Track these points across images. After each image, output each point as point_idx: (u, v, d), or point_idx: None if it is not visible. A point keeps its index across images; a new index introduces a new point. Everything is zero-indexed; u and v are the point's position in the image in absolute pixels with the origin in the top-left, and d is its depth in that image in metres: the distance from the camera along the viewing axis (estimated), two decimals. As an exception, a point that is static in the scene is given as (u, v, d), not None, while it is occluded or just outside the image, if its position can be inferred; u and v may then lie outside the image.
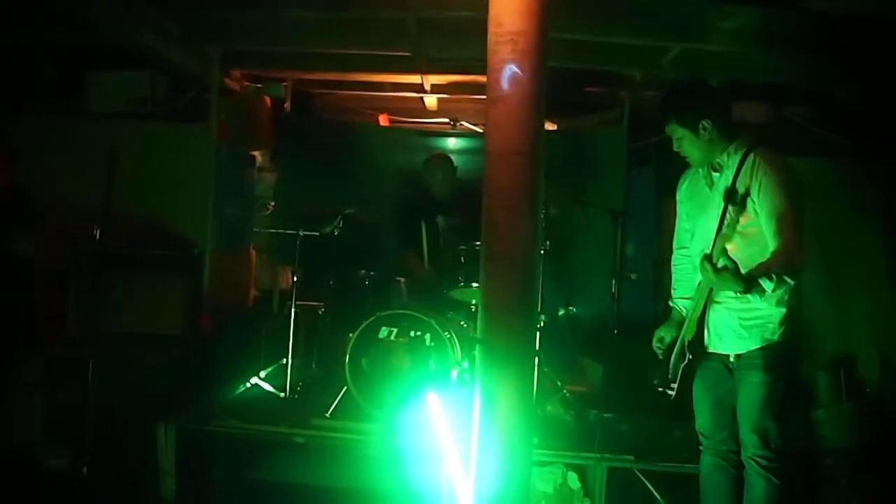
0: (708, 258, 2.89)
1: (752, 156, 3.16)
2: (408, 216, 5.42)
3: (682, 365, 3.35)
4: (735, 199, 2.77)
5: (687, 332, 3.32)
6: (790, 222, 2.98)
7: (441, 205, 5.44)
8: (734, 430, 3.28)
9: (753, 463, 3.16)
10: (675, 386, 3.45)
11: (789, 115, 5.70)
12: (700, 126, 3.18)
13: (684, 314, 3.44)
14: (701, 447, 3.45)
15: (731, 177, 3.17)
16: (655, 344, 3.49)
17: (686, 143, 3.24)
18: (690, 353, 3.30)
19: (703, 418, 3.42)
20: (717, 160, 3.25)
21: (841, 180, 5.27)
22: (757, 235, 3.09)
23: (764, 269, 2.91)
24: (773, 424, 3.14)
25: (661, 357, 3.47)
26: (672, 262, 3.61)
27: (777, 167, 3.10)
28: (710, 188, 3.30)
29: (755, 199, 3.06)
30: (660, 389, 3.57)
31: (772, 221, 3.01)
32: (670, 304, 3.56)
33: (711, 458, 3.39)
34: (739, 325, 3.18)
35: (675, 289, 3.56)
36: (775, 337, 3.16)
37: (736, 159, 3.19)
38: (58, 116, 5.54)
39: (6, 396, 4.29)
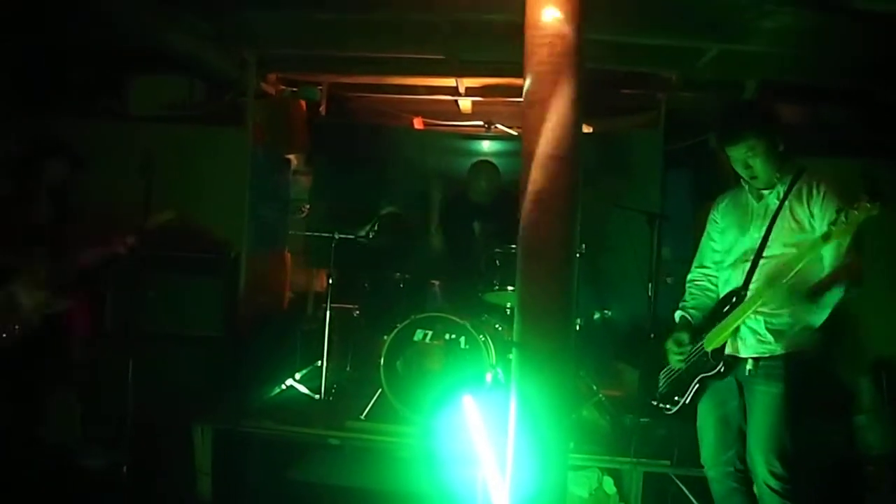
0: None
1: (805, 175, 3.16)
2: (443, 215, 5.42)
3: (708, 377, 3.31)
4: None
5: (713, 342, 3.27)
6: (855, 243, 2.93)
7: (479, 210, 5.39)
8: (739, 450, 3.23)
9: (766, 486, 3.07)
10: (678, 399, 3.42)
11: (826, 116, 5.62)
12: (779, 139, 3.14)
13: (693, 323, 3.43)
14: (707, 476, 3.38)
15: (783, 192, 3.16)
16: (675, 352, 3.42)
17: (761, 159, 3.13)
18: (723, 364, 3.25)
19: (707, 439, 3.35)
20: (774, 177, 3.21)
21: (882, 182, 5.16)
22: (804, 249, 3.03)
23: (829, 283, 2.89)
24: (789, 441, 3.05)
25: (680, 365, 3.43)
26: (689, 278, 3.60)
27: (835, 188, 3.08)
28: (758, 201, 3.26)
29: (814, 216, 3.06)
30: (654, 404, 3.56)
31: (839, 241, 2.94)
32: (678, 313, 3.53)
33: (720, 485, 3.32)
34: (765, 329, 3.14)
35: (686, 300, 3.54)
36: (800, 346, 3.11)
37: (788, 177, 3.18)
38: (96, 119, 5.62)
39: (45, 397, 4.35)
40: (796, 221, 3.11)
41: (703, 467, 3.43)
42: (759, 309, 3.10)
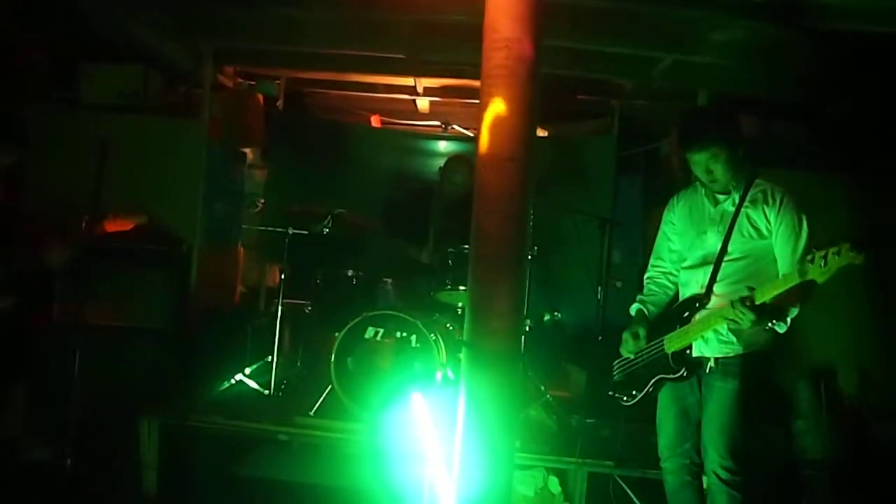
0: (749, 304, 2.93)
1: (759, 182, 3.27)
2: (414, 211, 5.42)
3: (668, 378, 3.38)
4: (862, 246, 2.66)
5: (674, 345, 3.34)
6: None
7: (444, 207, 5.40)
8: (697, 442, 3.31)
9: (716, 476, 3.18)
10: (636, 394, 3.50)
11: (778, 129, 5.74)
12: (741, 146, 3.23)
13: (649, 318, 3.52)
14: (662, 467, 3.47)
15: (738, 199, 3.26)
16: (630, 343, 3.49)
17: (722, 165, 3.21)
18: (685, 369, 3.31)
19: (666, 430, 3.43)
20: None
21: (828, 194, 5.28)
22: (763, 253, 3.20)
23: (792, 299, 2.99)
24: (741, 436, 3.16)
25: (630, 355, 3.51)
26: (647, 275, 3.68)
27: (789, 195, 3.21)
28: (714, 206, 3.35)
29: (771, 223, 3.19)
30: (610, 394, 3.63)
31: (794, 247, 3.12)
32: (635, 306, 3.60)
33: (675, 476, 3.41)
34: (727, 330, 3.21)
35: (644, 295, 3.62)
36: (758, 346, 3.22)
37: (742, 184, 3.28)
38: (48, 107, 5.50)
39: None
40: (754, 228, 3.22)
41: (644, 468, 3.49)
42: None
